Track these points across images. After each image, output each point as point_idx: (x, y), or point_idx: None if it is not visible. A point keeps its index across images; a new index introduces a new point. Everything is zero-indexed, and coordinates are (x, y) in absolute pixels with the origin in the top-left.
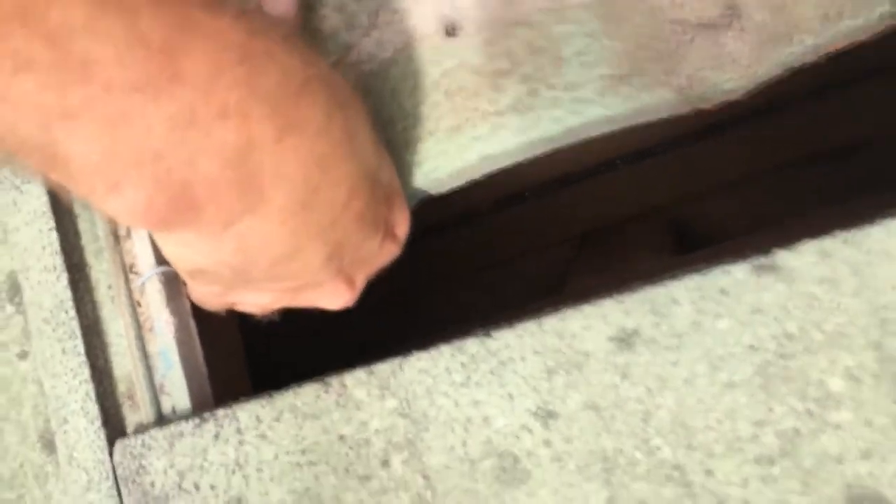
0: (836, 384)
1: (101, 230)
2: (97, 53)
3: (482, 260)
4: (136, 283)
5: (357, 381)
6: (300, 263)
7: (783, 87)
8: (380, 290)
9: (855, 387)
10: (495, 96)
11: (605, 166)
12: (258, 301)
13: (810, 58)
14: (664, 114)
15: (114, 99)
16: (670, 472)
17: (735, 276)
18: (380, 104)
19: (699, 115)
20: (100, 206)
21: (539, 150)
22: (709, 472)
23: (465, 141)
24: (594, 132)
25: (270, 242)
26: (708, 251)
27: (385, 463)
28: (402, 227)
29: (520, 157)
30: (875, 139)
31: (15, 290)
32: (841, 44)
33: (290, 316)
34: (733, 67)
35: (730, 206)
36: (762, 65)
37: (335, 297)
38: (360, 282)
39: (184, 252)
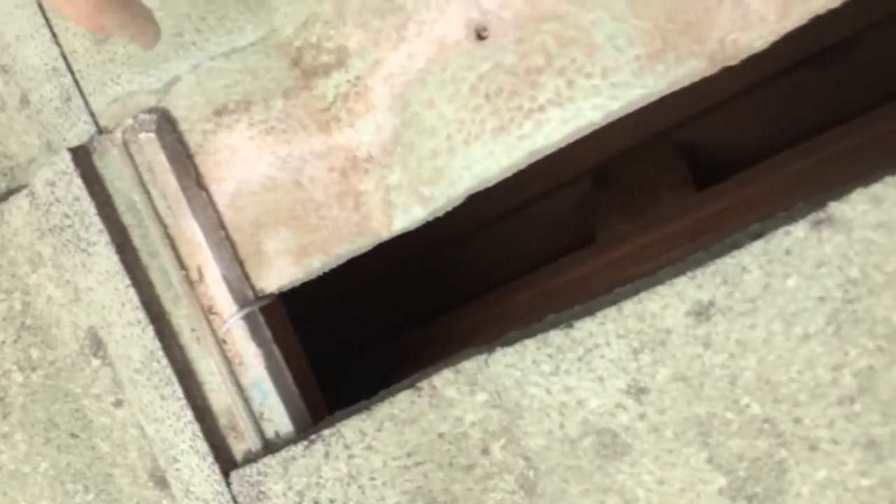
0: None
1: (174, 277)
2: None
3: (496, 209)
4: (220, 326)
5: (445, 382)
6: None
7: None
8: (401, 248)
9: None
10: (534, 93)
11: None
12: None
13: (836, 4)
14: (695, 79)
15: None
16: (761, 425)
17: (796, 234)
18: (419, 115)
19: None
20: None
21: (583, 135)
22: (797, 420)
23: (511, 140)
24: (631, 110)
25: None
26: (731, 183)
27: (485, 451)
28: None
29: (564, 145)
30: (855, 37)
31: (97, 344)
32: None
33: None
34: (762, 25)
35: (727, 124)
36: (790, 18)
37: None
38: None
39: None
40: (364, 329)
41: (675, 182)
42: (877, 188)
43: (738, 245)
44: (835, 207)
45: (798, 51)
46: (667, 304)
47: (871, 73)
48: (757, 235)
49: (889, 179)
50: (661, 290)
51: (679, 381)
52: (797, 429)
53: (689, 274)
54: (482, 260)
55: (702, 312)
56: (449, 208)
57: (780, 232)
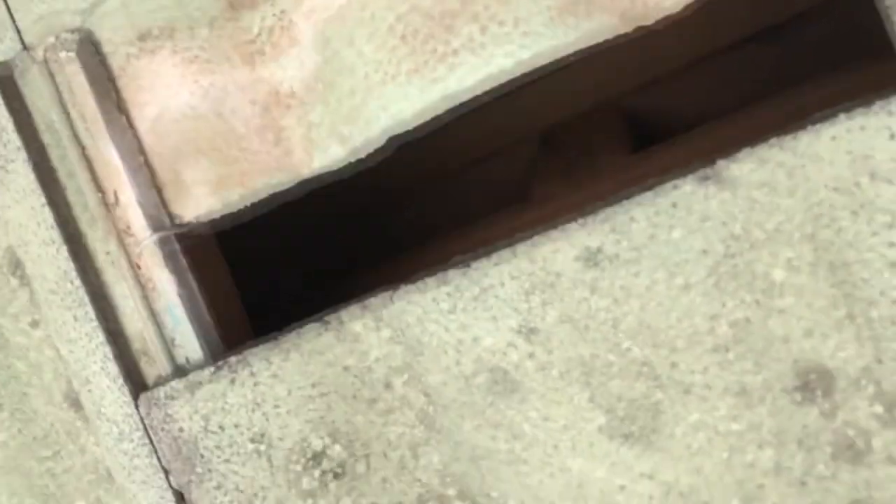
0: (779, 274)
1: (90, 199)
2: None
3: (441, 168)
4: (133, 248)
5: (352, 316)
6: None
7: None
8: (345, 205)
9: (795, 275)
10: (449, 37)
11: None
12: None
13: None
14: (608, 36)
15: None
16: (640, 368)
17: (684, 189)
18: (339, 53)
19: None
20: None
21: (496, 83)
22: (674, 365)
23: (425, 83)
24: (544, 62)
25: None
26: (664, 145)
27: (388, 385)
28: None
29: (479, 92)
30: (807, 14)
31: (15, 264)
32: None
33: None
34: None
35: (678, 94)
36: None
37: None
38: None
39: None
40: (306, 281)
41: (614, 146)
42: (762, 149)
43: (629, 196)
44: (722, 165)
45: (748, 26)
46: (558, 248)
47: (819, 49)
48: (649, 189)
49: (774, 141)
50: (553, 234)
51: (566, 322)
52: (673, 373)
53: (581, 221)
54: (425, 217)
55: (590, 258)
56: (370, 150)
57: (669, 185)
